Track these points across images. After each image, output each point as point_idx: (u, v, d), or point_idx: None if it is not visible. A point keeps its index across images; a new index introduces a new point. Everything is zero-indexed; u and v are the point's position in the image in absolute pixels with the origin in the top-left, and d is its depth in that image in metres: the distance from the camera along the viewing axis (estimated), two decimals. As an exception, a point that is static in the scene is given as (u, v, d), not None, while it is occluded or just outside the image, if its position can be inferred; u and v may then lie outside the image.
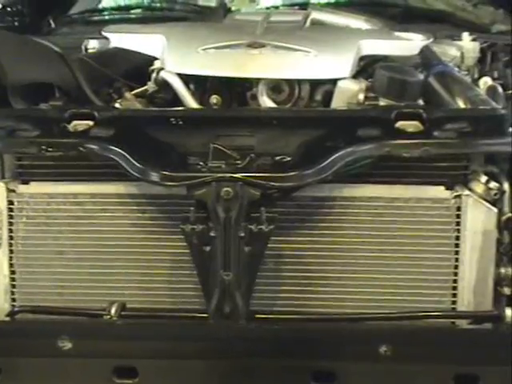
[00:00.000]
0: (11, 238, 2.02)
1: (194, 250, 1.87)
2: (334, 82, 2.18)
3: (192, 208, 1.86)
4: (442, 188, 1.96)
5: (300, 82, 2.20)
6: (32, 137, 1.94)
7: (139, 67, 2.38)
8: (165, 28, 2.48)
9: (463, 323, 1.96)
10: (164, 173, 1.85)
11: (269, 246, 1.88)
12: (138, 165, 1.85)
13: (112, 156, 1.88)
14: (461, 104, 2.11)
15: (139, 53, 2.37)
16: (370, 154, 1.89)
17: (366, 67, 2.30)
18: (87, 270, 2.01)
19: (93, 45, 2.64)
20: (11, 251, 2.02)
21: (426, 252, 1.96)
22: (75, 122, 1.98)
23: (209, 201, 1.83)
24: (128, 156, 1.86)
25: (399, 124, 1.93)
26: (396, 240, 1.95)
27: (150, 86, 2.30)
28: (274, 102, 2.21)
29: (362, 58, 2.27)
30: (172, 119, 1.98)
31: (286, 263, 1.98)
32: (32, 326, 1.92)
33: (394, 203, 1.96)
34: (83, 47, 2.64)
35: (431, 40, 2.40)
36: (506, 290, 1.94)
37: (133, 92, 2.33)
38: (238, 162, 1.88)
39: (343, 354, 1.82)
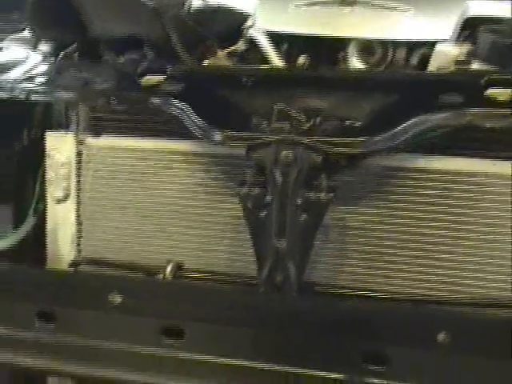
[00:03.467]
0: (79, 189, 2.04)
1: (248, 215, 1.79)
2: (432, 44, 2.02)
3: (250, 170, 1.78)
4: None
5: (395, 43, 2.05)
6: (101, 89, 1.93)
7: (238, 25, 2.32)
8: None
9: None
10: (224, 132, 1.79)
11: (333, 216, 1.77)
12: (199, 123, 1.80)
13: (175, 113, 1.83)
14: None
15: (239, 10, 2.31)
16: (447, 123, 1.72)
17: (471, 30, 2.10)
18: (147, 227, 1.99)
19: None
20: (79, 202, 2.04)
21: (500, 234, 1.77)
22: (148, 77, 1.95)
23: (267, 164, 1.75)
24: (190, 113, 1.81)
25: (489, 91, 1.75)
26: (468, 219, 1.78)
27: (240, 45, 2.23)
28: (366, 64, 2.07)
29: (467, 20, 2.08)
30: (243, 78, 1.90)
31: (349, 235, 1.86)
32: (85, 278, 1.93)
33: (473, 178, 1.78)
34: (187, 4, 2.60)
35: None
36: None
37: (225, 50, 2.27)
38: (303, 124, 1.77)
39: (397, 336, 1.67)
